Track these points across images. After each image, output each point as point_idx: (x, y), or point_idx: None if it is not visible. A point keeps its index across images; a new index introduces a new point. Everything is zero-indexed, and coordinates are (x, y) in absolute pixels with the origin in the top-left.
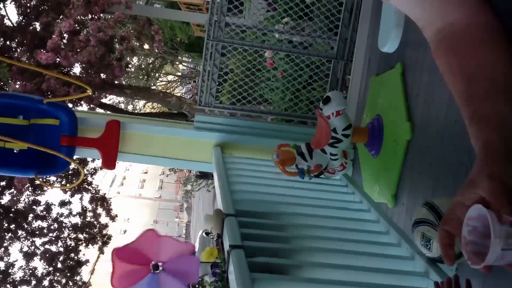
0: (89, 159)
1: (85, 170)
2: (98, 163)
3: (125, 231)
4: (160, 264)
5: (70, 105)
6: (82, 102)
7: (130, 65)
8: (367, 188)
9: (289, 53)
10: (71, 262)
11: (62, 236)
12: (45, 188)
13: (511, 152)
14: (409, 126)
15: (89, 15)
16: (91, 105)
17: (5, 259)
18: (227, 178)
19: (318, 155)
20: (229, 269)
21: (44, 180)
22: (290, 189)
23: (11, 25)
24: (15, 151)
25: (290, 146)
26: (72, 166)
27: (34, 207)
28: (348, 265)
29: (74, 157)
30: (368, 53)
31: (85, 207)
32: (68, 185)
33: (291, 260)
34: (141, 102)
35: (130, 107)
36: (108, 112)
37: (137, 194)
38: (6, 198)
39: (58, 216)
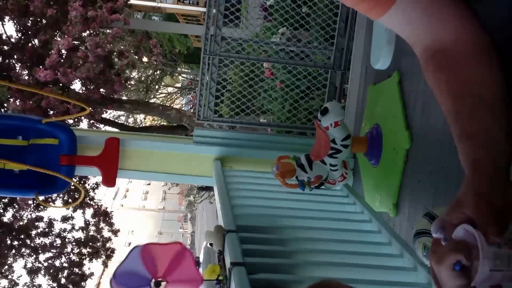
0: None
1: (86, 185)
2: (100, 178)
3: (129, 244)
4: (160, 279)
5: (71, 122)
6: (83, 118)
7: (130, 79)
8: (368, 198)
9: (286, 65)
10: (75, 277)
11: (65, 251)
12: None
13: (499, 171)
14: (407, 135)
15: (87, 31)
16: (92, 121)
17: (9, 276)
18: (227, 192)
19: (318, 166)
20: (231, 286)
21: (46, 198)
22: (291, 201)
23: (10, 43)
24: (16, 171)
25: (290, 158)
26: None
27: (37, 223)
28: (350, 278)
29: (75, 175)
30: (365, 62)
31: (88, 221)
32: (69, 202)
33: (293, 275)
34: (142, 115)
35: (130, 120)
36: (108, 128)
37: (140, 206)
38: (8, 215)
39: (61, 231)
